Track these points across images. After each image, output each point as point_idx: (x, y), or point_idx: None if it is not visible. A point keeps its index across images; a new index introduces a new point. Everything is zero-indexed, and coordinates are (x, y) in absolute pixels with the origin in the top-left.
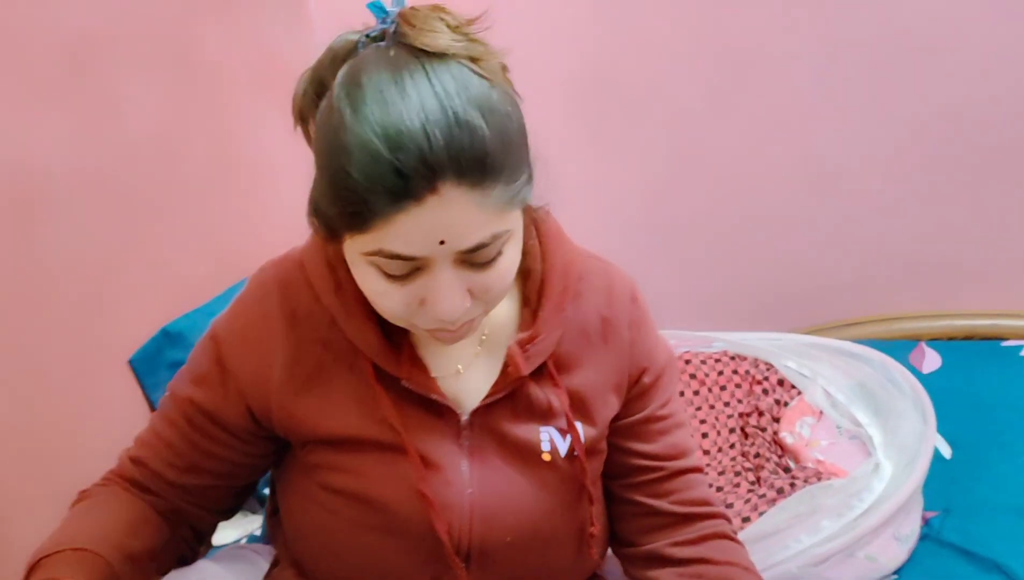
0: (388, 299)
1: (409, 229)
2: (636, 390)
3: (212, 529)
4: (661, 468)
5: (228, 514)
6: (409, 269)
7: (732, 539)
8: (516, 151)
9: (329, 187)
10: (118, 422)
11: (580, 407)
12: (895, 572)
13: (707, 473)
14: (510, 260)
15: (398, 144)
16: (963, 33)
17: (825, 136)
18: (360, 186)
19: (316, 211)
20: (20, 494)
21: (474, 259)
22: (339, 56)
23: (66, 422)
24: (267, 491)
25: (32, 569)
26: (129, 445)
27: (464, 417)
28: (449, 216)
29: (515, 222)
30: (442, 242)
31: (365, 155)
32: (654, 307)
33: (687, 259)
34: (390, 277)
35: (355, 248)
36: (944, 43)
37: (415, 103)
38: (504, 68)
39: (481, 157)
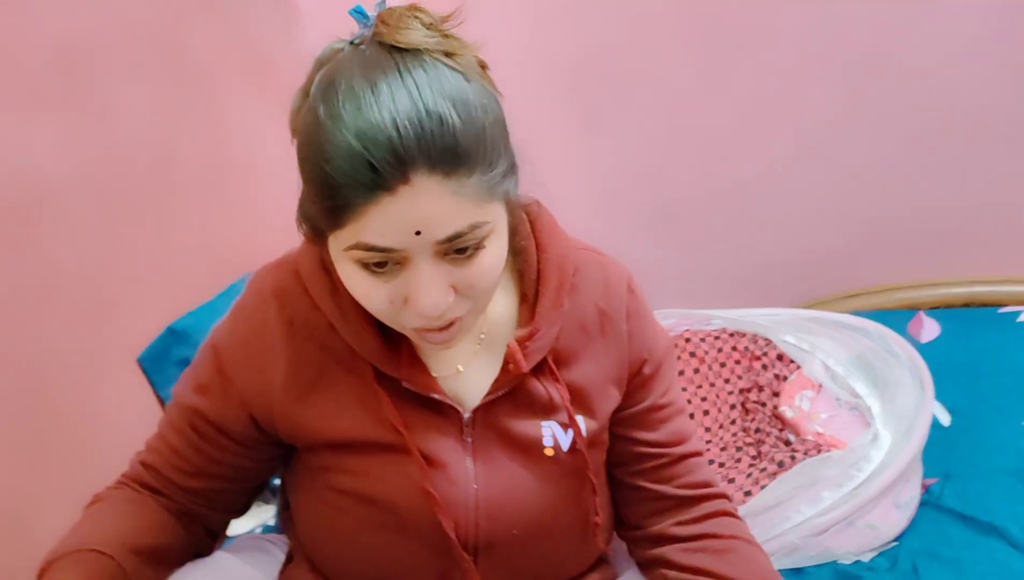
0: (373, 298)
1: (384, 220)
2: (637, 381)
3: (225, 527)
4: (664, 455)
5: (240, 512)
6: (388, 262)
7: (734, 516)
8: (491, 142)
9: (308, 185)
10: (131, 420)
11: (581, 401)
12: (896, 539)
13: (708, 450)
14: (493, 256)
15: (368, 137)
16: (953, 3)
17: (817, 109)
18: (334, 181)
19: (303, 214)
20: (36, 495)
21: (453, 249)
22: (324, 65)
23: (79, 423)
24: (279, 481)
25: (43, 572)
26: (142, 443)
27: (466, 415)
28: (423, 206)
29: (496, 215)
30: (418, 233)
31: (337, 150)
32: (652, 287)
33: (684, 238)
34: (373, 273)
35: (337, 245)
36: (934, 14)
37: (386, 97)
38: (483, 65)
39: (451, 146)
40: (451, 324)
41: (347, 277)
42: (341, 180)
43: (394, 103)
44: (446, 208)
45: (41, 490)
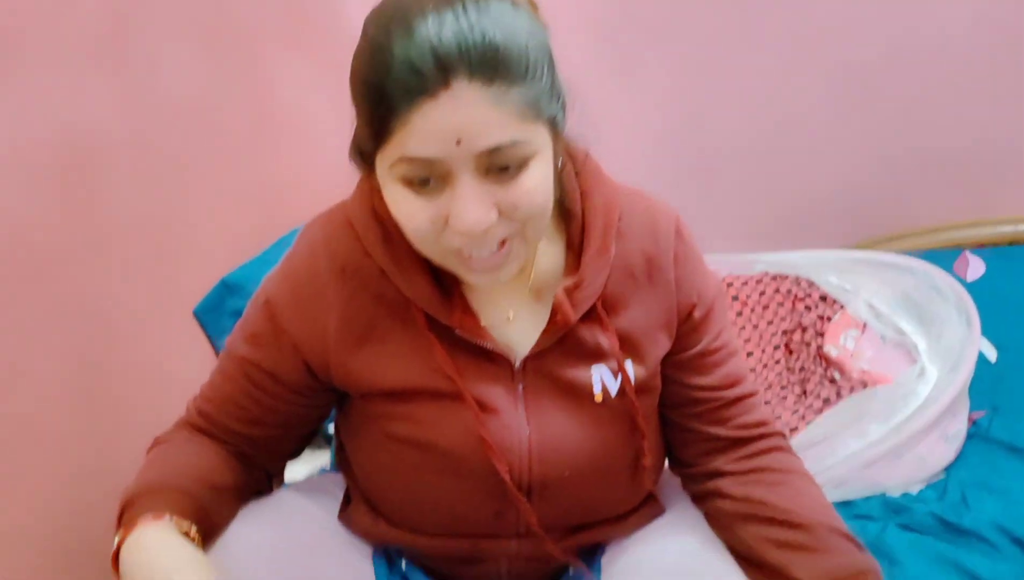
0: (416, 218)
1: (425, 128)
2: (687, 326)
3: (282, 469)
4: (718, 398)
5: (295, 455)
6: (432, 179)
7: (788, 451)
8: (534, 59)
9: (357, 104)
10: (188, 370)
11: (629, 347)
12: (944, 470)
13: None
14: (537, 179)
15: (412, 43)
16: None
17: (856, 46)
18: (379, 88)
19: (354, 144)
20: (94, 447)
21: (495, 164)
22: None
23: (137, 374)
24: (332, 429)
25: (124, 509)
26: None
27: (517, 363)
28: (464, 113)
29: (539, 138)
30: (459, 142)
31: (383, 57)
32: (694, 233)
33: (724, 183)
34: (417, 193)
35: (383, 165)
36: None
37: (432, 15)
38: (533, 4)
39: (492, 53)
40: (501, 246)
41: (391, 197)
42: (385, 86)
43: (439, 18)
44: (487, 117)
45: (107, 437)
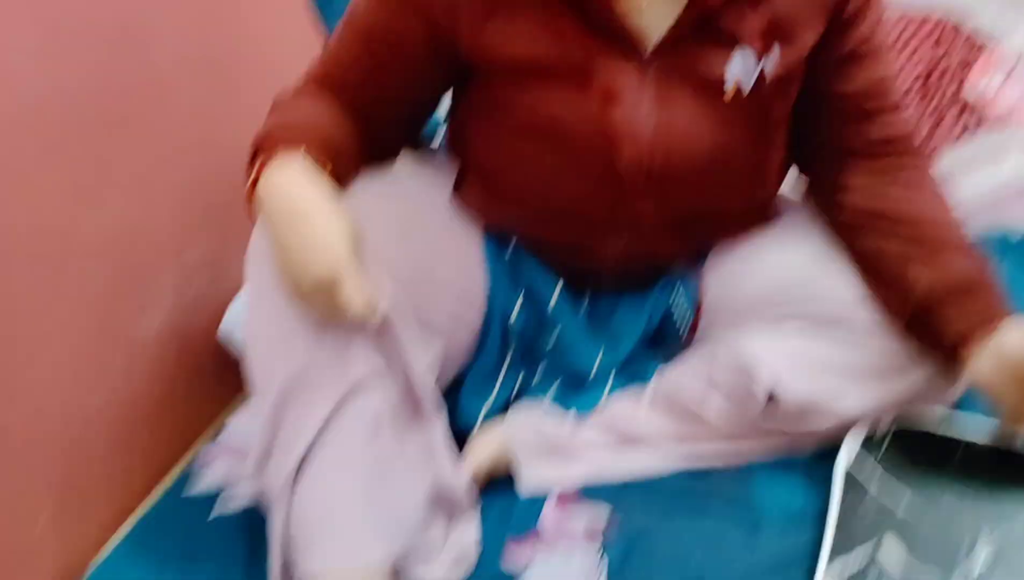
0: None
1: None
2: (839, 20)
3: (397, 148)
4: (861, 107)
5: (409, 134)
6: None
7: (925, 169)
8: None
9: None
10: (298, 47)
11: (778, 28)
12: None
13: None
14: None
15: None
16: None
17: None
18: None
19: None
20: (214, 117)
21: None
22: None
23: (249, 52)
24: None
25: (259, 146)
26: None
27: (649, 50)
28: None
29: None
30: None
31: None
32: None
33: None
34: None
35: None
36: None
37: None
38: None
39: None
40: None
41: None
42: None
43: None
44: None
45: (224, 104)
